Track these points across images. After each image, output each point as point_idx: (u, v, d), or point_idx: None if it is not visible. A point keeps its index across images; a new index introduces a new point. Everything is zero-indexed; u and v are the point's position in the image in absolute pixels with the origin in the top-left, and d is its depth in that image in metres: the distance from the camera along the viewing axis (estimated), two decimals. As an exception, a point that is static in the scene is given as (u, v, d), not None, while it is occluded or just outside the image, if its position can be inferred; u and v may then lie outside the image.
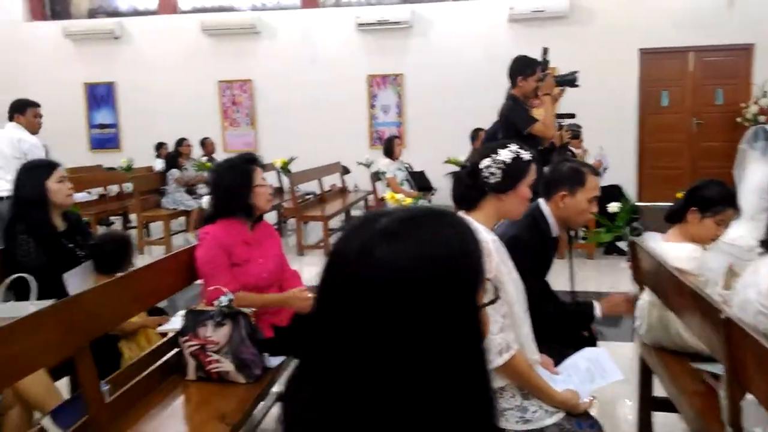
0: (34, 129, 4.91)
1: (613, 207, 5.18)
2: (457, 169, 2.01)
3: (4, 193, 4.21)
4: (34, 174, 2.65)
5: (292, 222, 7.56)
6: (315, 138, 9.48)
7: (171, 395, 2.08)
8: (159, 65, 10.01)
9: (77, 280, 2.48)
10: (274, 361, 2.28)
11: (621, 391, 2.75)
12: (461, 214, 1.95)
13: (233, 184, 2.44)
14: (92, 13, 10.50)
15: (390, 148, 6.75)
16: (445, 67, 9.18)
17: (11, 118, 4.91)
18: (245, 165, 2.48)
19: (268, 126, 10.01)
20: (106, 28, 9.95)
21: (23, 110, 4.93)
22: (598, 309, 2.30)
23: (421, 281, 0.70)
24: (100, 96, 10.35)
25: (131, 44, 10.13)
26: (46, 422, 1.74)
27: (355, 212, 8.03)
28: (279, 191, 8.01)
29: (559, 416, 1.72)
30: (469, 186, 1.85)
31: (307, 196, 7.54)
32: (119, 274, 2.35)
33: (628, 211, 5.22)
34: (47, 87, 10.20)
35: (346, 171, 8.33)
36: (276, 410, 2.68)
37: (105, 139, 10.47)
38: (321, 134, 9.53)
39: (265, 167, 2.63)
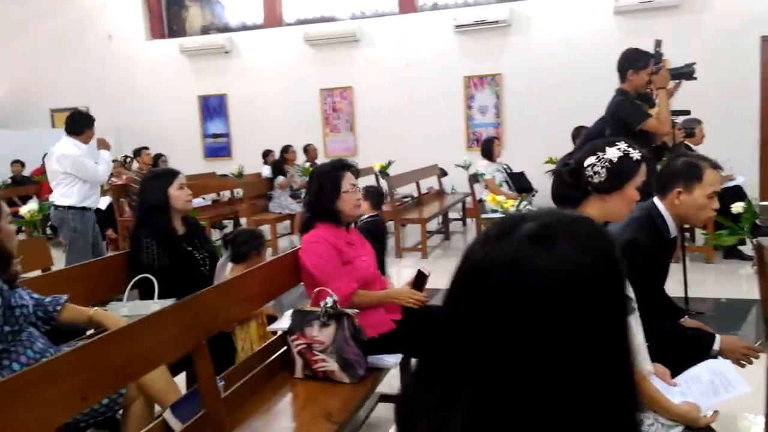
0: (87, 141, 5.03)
1: (737, 207, 4.79)
2: (556, 168, 1.93)
3: (58, 203, 4.78)
4: (158, 182, 2.87)
5: (389, 225, 7.64)
6: (412, 141, 9.55)
7: (280, 392, 2.17)
8: (265, 76, 10.50)
9: (220, 271, 2.71)
10: (389, 359, 2.32)
11: (745, 404, 2.54)
12: None
13: (322, 189, 2.51)
14: (205, 30, 11.21)
15: (488, 149, 6.66)
16: (545, 65, 8.93)
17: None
18: (334, 171, 2.53)
19: (367, 131, 10.21)
20: (218, 44, 10.59)
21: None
22: (717, 344, 2.09)
23: (583, 286, 0.69)
24: (212, 107, 11.03)
25: (240, 58, 10.70)
26: (168, 415, 1.86)
27: (453, 215, 8.00)
28: (382, 194, 8.14)
29: (677, 430, 1.62)
30: (571, 185, 1.77)
31: (405, 199, 7.60)
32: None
33: (754, 212, 4.81)
34: (165, 100, 11.04)
35: (443, 173, 8.31)
36: (381, 411, 2.73)
37: (218, 148, 11.13)
38: (418, 137, 9.58)
39: (364, 171, 2.68)
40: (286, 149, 7.93)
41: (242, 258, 2.79)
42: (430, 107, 9.64)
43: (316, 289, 2.34)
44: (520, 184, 6.74)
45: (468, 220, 8.12)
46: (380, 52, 9.96)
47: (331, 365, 2.20)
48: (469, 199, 7.56)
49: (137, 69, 11.14)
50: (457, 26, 9.34)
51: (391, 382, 2.68)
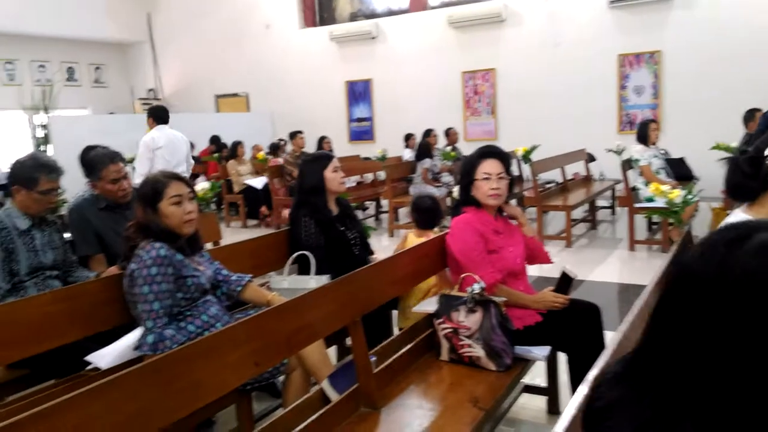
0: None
1: None
2: (731, 155, 1.76)
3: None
4: (315, 165, 3.04)
5: (530, 211, 7.45)
6: (558, 124, 9.19)
7: (426, 373, 2.23)
8: (409, 60, 10.65)
9: None
10: (538, 351, 2.29)
11: None
12: (738, 209, 1.73)
13: (462, 176, 2.51)
14: (353, 17, 11.58)
15: (644, 132, 6.19)
16: (713, 41, 8.11)
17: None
18: (473, 159, 2.50)
19: (508, 114, 9.99)
20: (365, 30, 10.90)
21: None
22: None
23: None
24: (358, 92, 11.40)
25: (385, 43, 10.93)
26: (326, 385, 1.99)
27: (601, 202, 7.60)
28: (519, 180, 7.95)
29: None
30: (749, 176, 1.61)
31: (548, 185, 7.34)
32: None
33: None
34: (316, 86, 11.60)
35: (591, 158, 7.89)
36: (525, 401, 2.71)
37: (361, 132, 11.51)
38: (564, 120, 9.20)
39: (501, 157, 2.60)
40: (428, 133, 7.98)
41: (428, 226, 3.18)
42: (578, 88, 9.19)
43: (463, 275, 2.35)
44: (679, 171, 6.22)
45: (618, 209, 7.67)
46: (527, 31, 9.65)
47: (477, 351, 2.21)
48: (620, 187, 7.13)
49: (291, 57, 11.81)
50: (612, 1, 8.77)
51: (533, 374, 2.65)
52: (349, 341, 3.18)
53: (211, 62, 12.72)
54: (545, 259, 2.67)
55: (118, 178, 2.79)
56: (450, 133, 8.71)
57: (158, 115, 5.83)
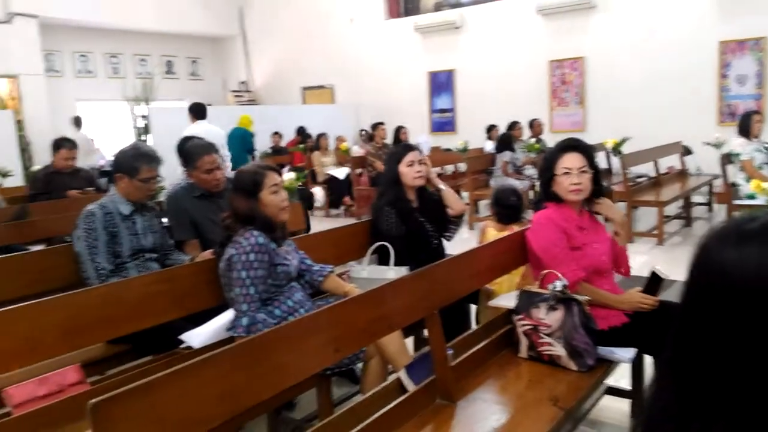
0: None
1: None
2: None
3: None
4: (392, 157, 3.08)
5: (619, 206, 7.15)
6: (651, 116, 8.75)
7: (504, 369, 2.21)
8: (493, 50, 10.47)
9: None
10: (623, 353, 2.22)
11: None
12: None
13: (543, 170, 2.45)
14: (438, 7, 11.51)
15: (746, 125, 5.76)
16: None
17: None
18: (554, 152, 2.43)
19: (597, 104, 9.62)
20: (449, 20, 10.82)
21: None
22: None
23: None
24: (440, 83, 11.35)
25: (470, 32, 10.80)
26: (403, 375, 2.02)
27: (697, 198, 7.18)
28: (608, 173, 7.64)
29: None
30: None
31: (639, 179, 7.01)
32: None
33: None
34: (399, 77, 11.66)
35: (687, 152, 7.46)
36: (607, 403, 2.63)
37: (443, 123, 11.46)
38: (658, 111, 8.74)
39: (595, 148, 2.51)
40: (513, 125, 7.83)
41: (511, 220, 3.12)
42: (674, 77, 8.70)
43: (544, 272, 2.31)
44: (785, 166, 5.76)
45: (716, 206, 7.22)
46: (618, 17, 9.23)
47: (558, 350, 2.17)
48: (718, 182, 6.71)
49: (374, 48, 11.92)
50: (716, -16, 8.23)
51: (617, 375, 2.56)
52: (426, 332, 3.23)
53: (299, 55, 13.06)
54: (625, 272, 2.57)
55: (212, 169, 2.94)
56: (535, 125, 8.51)
57: (197, 111, 6.79)
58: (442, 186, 3.13)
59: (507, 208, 3.21)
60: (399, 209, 2.97)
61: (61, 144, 4.95)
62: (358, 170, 8.58)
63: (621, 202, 6.43)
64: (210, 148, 2.97)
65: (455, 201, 3.14)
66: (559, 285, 2.16)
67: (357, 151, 9.51)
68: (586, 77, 9.71)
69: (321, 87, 13.04)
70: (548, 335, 2.19)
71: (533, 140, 8.16)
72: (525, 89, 10.16)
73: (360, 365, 2.39)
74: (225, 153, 6.50)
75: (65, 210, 4.28)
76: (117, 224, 2.70)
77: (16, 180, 7.56)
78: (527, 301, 2.25)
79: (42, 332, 1.95)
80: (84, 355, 2.32)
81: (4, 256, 3.14)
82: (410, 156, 3.02)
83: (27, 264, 2.76)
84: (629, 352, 2.22)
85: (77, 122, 9.03)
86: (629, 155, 6.60)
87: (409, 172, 3.00)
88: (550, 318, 2.19)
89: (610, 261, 2.45)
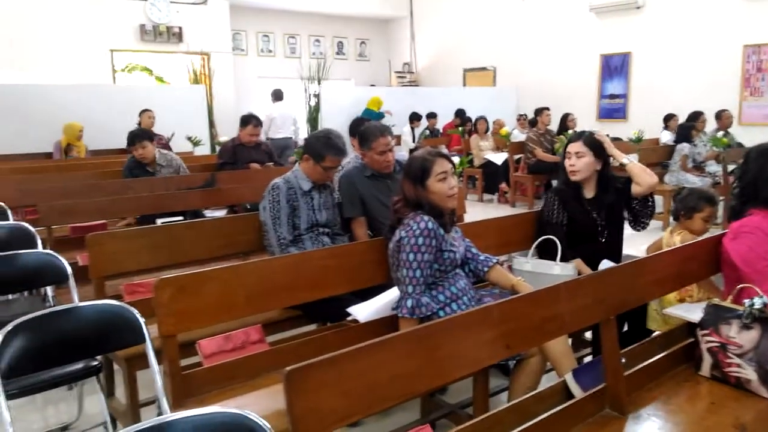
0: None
1: None
2: None
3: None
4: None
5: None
6: None
7: (683, 386, 2.04)
8: (678, 32, 9.56)
9: None
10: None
11: None
12: None
13: (764, 170, 2.16)
14: (617, -14, 10.72)
15: None
16: None
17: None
18: None
19: (802, 95, 8.41)
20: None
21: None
22: None
23: None
24: (614, 67, 10.62)
25: (652, 12, 9.95)
26: (569, 379, 1.94)
27: None
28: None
29: None
30: None
31: None
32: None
33: None
34: (568, 59, 11.12)
35: None
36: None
37: (613, 109, 10.75)
38: None
39: None
40: (696, 116, 7.11)
41: (687, 213, 2.82)
42: None
43: (740, 286, 2.08)
44: None
45: None
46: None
47: (749, 373, 1.95)
48: None
49: (544, 28, 11.45)
50: None
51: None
52: (587, 335, 3.07)
53: (463, 36, 12.96)
54: None
55: (386, 150, 3.03)
56: (723, 116, 7.65)
57: (276, 95, 9.49)
58: (625, 159, 2.91)
59: (682, 201, 2.91)
60: (562, 195, 2.86)
61: (249, 120, 5.40)
62: (517, 156, 8.36)
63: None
64: (385, 130, 3.06)
65: (643, 174, 2.84)
66: (758, 302, 1.92)
67: (517, 136, 9.28)
68: (790, 64, 8.52)
69: (483, 69, 12.84)
70: (738, 356, 1.97)
71: (720, 133, 7.35)
72: (711, 76, 9.16)
73: (513, 361, 2.35)
74: (298, 129, 9.50)
75: (248, 180, 4.69)
76: (297, 198, 2.90)
77: (204, 149, 8.42)
78: (716, 315, 2.04)
79: (233, 293, 2.16)
80: (262, 317, 2.54)
81: (197, 220, 3.54)
82: (570, 147, 2.89)
83: (216, 228, 3.07)
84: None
85: (277, 95, 9.58)
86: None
87: (565, 164, 2.91)
88: (742, 337, 1.96)
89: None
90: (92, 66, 10.12)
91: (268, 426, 1.29)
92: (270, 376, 2.06)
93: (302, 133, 9.66)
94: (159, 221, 3.69)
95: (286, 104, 9.62)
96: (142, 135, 4.74)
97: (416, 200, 2.33)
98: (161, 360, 2.03)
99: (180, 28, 11.03)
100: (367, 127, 3.11)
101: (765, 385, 1.93)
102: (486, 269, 2.52)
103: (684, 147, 6.68)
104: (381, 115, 9.68)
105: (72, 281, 2.67)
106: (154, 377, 2.00)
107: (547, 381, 2.19)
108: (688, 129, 6.86)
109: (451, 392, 2.85)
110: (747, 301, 1.97)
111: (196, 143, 8.11)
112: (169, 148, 6.22)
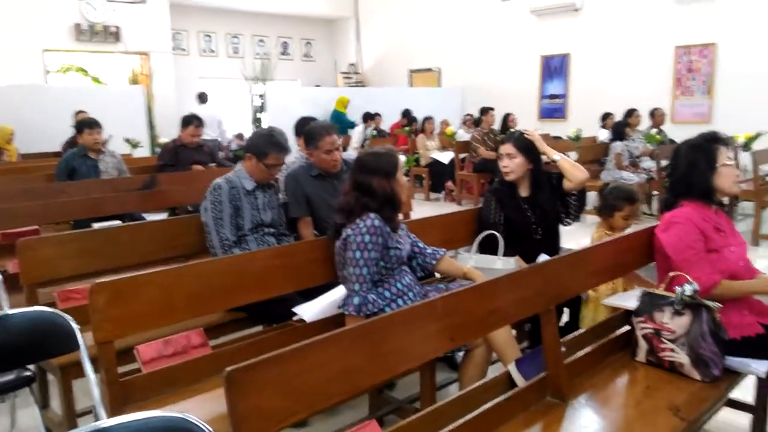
0: None
1: None
2: None
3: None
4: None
5: (745, 206, 6.61)
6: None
7: (620, 372, 2.11)
8: (614, 34, 9.93)
9: None
10: (758, 366, 2.06)
11: None
12: None
13: (694, 165, 2.27)
14: (555, -12, 11.04)
15: None
16: None
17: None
18: (709, 144, 2.28)
19: (728, 95, 8.86)
20: (568, 2, 10.34)
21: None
22: None
23: None
24: (554, 67, 10.92)
25: (589, 15, 10.28)
26: (512, 369, 1.98)
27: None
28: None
29: None
30: None
31: (771, 178, 6.42)
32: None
33: None
34: (509, 61, 11.36)
35: (829, 150, 6.72)
36: (725, 416, 2.45)
37: (553, 109, 11.05)
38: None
39: (729, 144, 2.34)
40: (630, 113, 7.40)
41: (608, 211, 2.87)
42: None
43: (672, 274, 2.17)
44: None
45: None
46: (756, 1, 8.41)
47: (681, 358, 2.04)
48: None
49: (487, 30, 11.67)
50: None
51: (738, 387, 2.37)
52: (528, 326, 3.14)
53: (408, 37, 13.06)
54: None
55: (332, 149, 3.01)
56: (656, 114, 7.98)
57: (201, 97, 9.66)
58: (556, 156, 2.97)
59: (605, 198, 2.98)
60: (498, 196, 2.91)
61: (191, 120, 5.29)
62: (462, 155, 8.48)
63: (748, 201, 5.93)
64: (331, 129, 3.04)
65: (573, 170, 2.90)
66: (688, 289, 2.01)
67: (462, 135, 9.40)
68: (717, 65, 8.96)
69: (428, 70, 12.97)
70: (671, 341, 2.06)
71: (654, 131, 7.66)
72: (645, 76, 9.56)
73: (461, 353, 2.38)
74: (224, 131, 9.52)
75: (189, 182, 4.58)
76: (241, 198, 2.85)
77: (143, 151, 8.18)
78: (650, 303, 2.12)
79: (172, 297, 2.09)
80: (204, 320, 2.47)
81: (136, 222, 3.42)
82: (501, 149, 2.95)
83: (156, 231, 2.98)
84: (765, 365, 2.05)
85: (202, 98, 9.66)
86: (761, 152, 6.06)
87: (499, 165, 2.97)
88: (674, 323, 2.05)
89: (747, 265, 2.26)
90: (24, 67, 9.69)
91: (211, 429, 1.25)
92: (212, 380, 2.01)
93: (229, 135, 9.88)
94: (95, 226, 3.55)
95: (211, 106, 9.68)
96: (97, 122, 4.75)
97: (389, 194, 2.33)
98: (98, 368, 1.95)
99: (117, 28, 10.68)
100: (313, 126, 3.09)
101: (697, 368, 2.03)
102: (434, 261, 2.54)
103: (617, 145, 6.94)
104: (352, 124, 9.79)
105: (1, 289, 2.54)
106: (91, 386, 1.93)
107: (495, 372, 2.23)
108: (621, 127, 7.12)
109: (399, 388, 2.86)
110: (678, 289, 2.06)
111: (134, 145, 7.87)
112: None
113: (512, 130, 7.68)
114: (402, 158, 4.21)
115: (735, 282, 2.16)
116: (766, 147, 6.17)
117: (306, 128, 3.15)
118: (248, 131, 10.07)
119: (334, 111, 9.96)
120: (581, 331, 2.30)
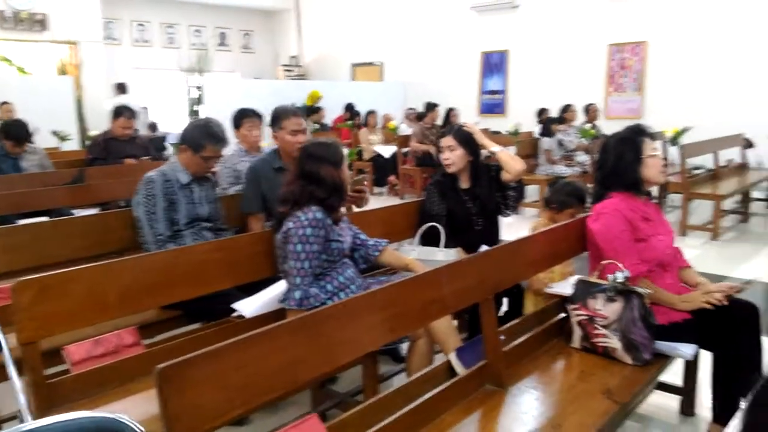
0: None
1: None
2: None
3: None
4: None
5: (674, 198, 6.93)
6: (715, 106, 8.38)
7: (556, 358, 2.17)
8: (551, 31, 10.19)
9: None
10: (685, 349, 2.16)
11: None
12: None
13: (622, 157, 2.36)
14: (494, -15, 11.22)
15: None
16: None
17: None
18: (635, 136, 2.38)
19: (658, 91, 9.25)
20: (506, -1, 10.53)
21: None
22: None
23: None
24: (493, 63, 11.12)
25: (528, 12, 10.51)
26: (453, 358, 2.01)
27: (757, 194, 6.88)
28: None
29: None
30: None
31: (696, 171, 6.75)
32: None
33: None
34: (449, 56, 11.47)
35: (748, 144, 7.14)
36: (656, 399, 2.56)
37: (493, 105, 11.25)
38: (723, 102, 8.36)
39: (653, 137, 2.46)
40: (565, 108, 7.62)
41: (559, 206, 2.93)
42: (739, 67, 8.28)
43: (605, 262, 2.24)
44: None
45: (776, 202, 6.91)
46: (686, 2, 8.82)
47: (614, 343, 2.12)
48: (781, 178, 6.41)
49: (428, 26, 11.74)
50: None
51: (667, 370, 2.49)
52: (467, 316, 3.19)
53: (350, 30, 12.99)
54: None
55: (298, 131, 2.97)
56: (590, 110, 8.26)
57: (120, 87, 9.63)
58: (495, 148, 3.01)
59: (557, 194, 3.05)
60: (440, 188, 2.94)
61: (121, 112, 5.06)
62: (405, 149, 8.53)
63: (677, 194, 6.22)
64: (298, 111, 3.01)
65: (510, 161, 2.94)
66: (620, 276, 2.09)
67: (404, 130, 9.45)
68: (647, 62, 9.35)
69: (370, 64, 12.96)
70: (604, 327, 2.13)
71: (588, 126, 7.92)
72: (580, 73, 9.87)
73: (405, 345, 2.39)
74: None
75: (121, 176, 4.40)
76: (175, 192, 2.75)
77: (73, 144, 7.81)
78: (584, 290, 2.19)
79: (102, 294, 2.00)
80: (138, 318, 2.39)
81: (64, 218, 3.26)
82: (443, 141, 2.98)
83: (86, 227, 2.84)
84: (691, 348, 2.16)
85: (121, 88, 9.35)
86: (688, 146, 6.35)
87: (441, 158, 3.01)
88: (607, 309, 2.13)
89: (675, 254, 2.37)
90: (-61, 54, 9.07)
91: (142, 429, 1.20)
92: (145, 379, 1.94)
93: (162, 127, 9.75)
94: (20, 222, 3.36)
95: (131, 97, 9.51)
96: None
97: (338, 185, 2.32)
98: (24, 371, 1.85)
99: (44, 15, 10.14)
100: (279, 107, 3.05)
101: (628, 353, 2.11)
102: (377, 253, 2.54)
103: (545, 141, 7.16)
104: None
105: None
106: (15, 389, 1.82)
107: (438, 362, 2.25)
108: (549, 124, 7.34)
109: (341, 382, 2.85)
110: (610, 276, 2.13)
111: (63, 138, 7.50)
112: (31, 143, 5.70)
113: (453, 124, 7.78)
114: (345, 151, 4.18)
115: (657, 287, 2.25)
116: (694, 141, 6.47)
117: (273, 109, 3.11)
118: (184, 124, 9.79)
119: (303, 106, 9.79)
120: (519, 319, 2.35)
